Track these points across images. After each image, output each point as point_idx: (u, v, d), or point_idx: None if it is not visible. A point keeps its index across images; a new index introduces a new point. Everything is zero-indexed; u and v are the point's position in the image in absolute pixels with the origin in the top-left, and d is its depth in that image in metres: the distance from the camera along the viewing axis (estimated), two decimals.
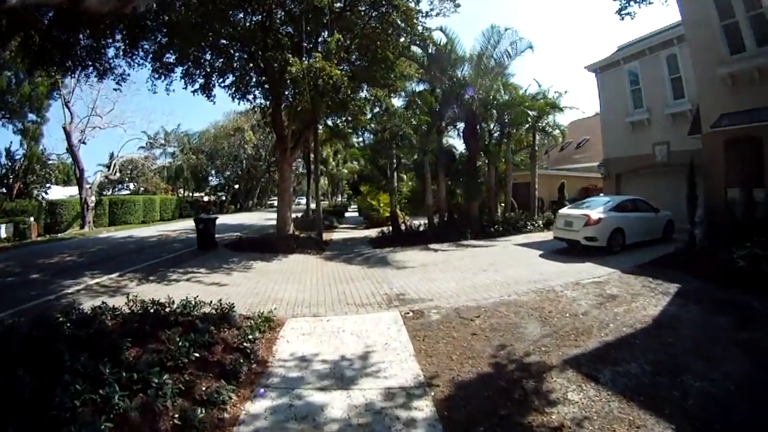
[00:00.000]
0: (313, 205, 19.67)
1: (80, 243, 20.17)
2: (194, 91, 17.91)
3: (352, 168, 34.65)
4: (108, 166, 38.89)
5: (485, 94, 19.30)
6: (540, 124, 21.30)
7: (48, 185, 33.71)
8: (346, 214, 37.33)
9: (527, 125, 21.02)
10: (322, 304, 8.41)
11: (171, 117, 71.19)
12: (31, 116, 30.18)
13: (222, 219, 35.32)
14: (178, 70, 17.59)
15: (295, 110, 15.26)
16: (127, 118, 34.50)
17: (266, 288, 9.81)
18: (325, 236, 18.95)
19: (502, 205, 20.28)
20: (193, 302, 6.78)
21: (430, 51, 18.55)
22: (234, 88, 17.87)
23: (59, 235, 25.33)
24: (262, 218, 33.38)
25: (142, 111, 60.28)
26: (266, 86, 16.49)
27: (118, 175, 34.66)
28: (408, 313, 7.67)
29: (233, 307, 6.82)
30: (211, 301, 6.88)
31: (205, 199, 50.42)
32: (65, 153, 30.99)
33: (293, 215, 28.83)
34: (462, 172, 18.99)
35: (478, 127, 19.09)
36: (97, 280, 10.91)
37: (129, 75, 18.47)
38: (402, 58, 17.26)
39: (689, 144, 16.83)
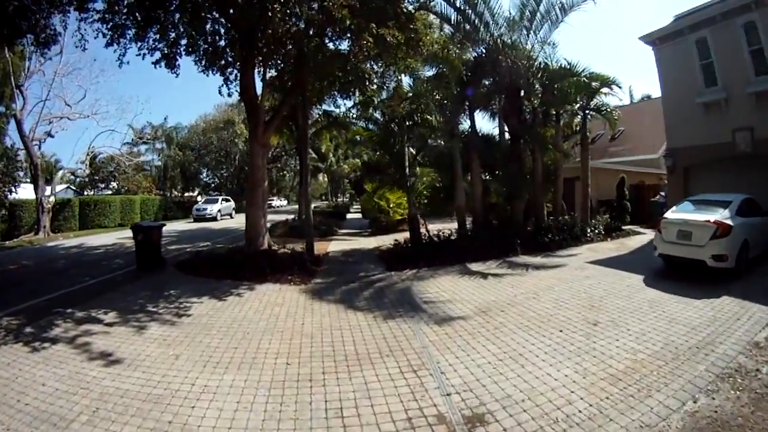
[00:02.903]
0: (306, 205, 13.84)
1: (13, 255, 15.13)
2: (155, 63, 12.69)
3: (355, 164, 29.19)
4: (90, 163, 33.60)
5: (527, 61, 13.99)
6: (593, 104, 15.88)
7: (16, 184, 28.52)
8: (348, 216, 31.86)
9: (578, 105, 15.61)
10: None
11: (147, 105, 63.96)
12: None
13: (209, 222, 30.31)
14: (130, 32, 12.38)
15: (274, 68, 9.82)
16: (101, 107, 29.03)
17: (179, 384, 4.50)
18: (320, 247, 13.54)
19: (548, 205, 14.83)
20: None
21: (458, 5, 13.21)
22: (201, 52, 12.62)
23: (7, 242, 20.16)
24: None
25: (117, 100, 53.35)
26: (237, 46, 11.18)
27: (87, 171, 29.07)
28: None
29: None
30: None
31: (198, 199, 44.96)
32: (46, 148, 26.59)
33: (286, 218, 23.62)
34: (501, 163, 13.53)
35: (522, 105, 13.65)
36: None
37: (61, 34, 13.71)
38: (422, 12, 12.01)
39: None
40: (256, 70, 11.34)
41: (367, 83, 12.74)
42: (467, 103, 13.63)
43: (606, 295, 7.55)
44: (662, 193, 18.60)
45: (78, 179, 32.61)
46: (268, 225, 20.58)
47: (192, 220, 31.38)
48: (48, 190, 22.72)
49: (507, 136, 15.78)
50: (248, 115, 10.40)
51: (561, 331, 5.82)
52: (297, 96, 10.85)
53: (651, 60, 15.43)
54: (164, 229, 23.05)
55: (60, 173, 25.91)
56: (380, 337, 5.55)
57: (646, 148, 26.01)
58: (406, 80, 15.54)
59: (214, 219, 30.71)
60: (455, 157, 12.38)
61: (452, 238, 12.23)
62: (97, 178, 34.65)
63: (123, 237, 20.07)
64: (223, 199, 34.09)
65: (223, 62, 12.85)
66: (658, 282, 8.35)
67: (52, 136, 26.29)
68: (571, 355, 5.07)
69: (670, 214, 9.78)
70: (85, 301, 7.80)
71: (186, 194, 43.49)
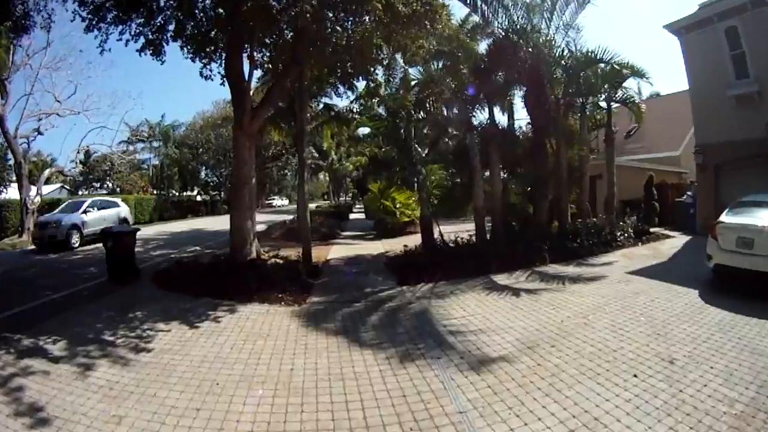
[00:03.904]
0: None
1: None
2: (140, 50, 11.16)
3: (359, 161, 27.52)
4: (83, 163, 32.03)
5: (549, 49, 12.45)
6: (617, 95, 14.32)
7: (6, 184, 26.98)
8: (351, 216, 30.19)
9: (603, 96, 14.04)
10: None
11: (139, 100, 61.90)
12: None
13: (205, 223, 28.44)
14: (111, 14, 10.85)
15: (266, 50, 8.24)
16: (92, 103, 27.44)
17: None
18: (320, 252, 11.93)
19: (571, 206, 13.21)
20: None
21: None
22: (187, 37, 11.06)
23: None
24: None
25: (110, 96, 50.92)
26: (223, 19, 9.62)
27: (78, 169, 27.48)
28: None
29: None
30: None
31: (198, 199, 43.33)
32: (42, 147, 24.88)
33: (284, 219, 21.96)
34: (522, 159, 11.92)
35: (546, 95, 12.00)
36: None
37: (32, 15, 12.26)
38: None
39: None
40: (245, 54, 9.72)
41: (372, 70, 11.23)
42: (482, 93, 12.02)
43: (668, 317, 6.06)
44: (689, 193, 16.98)
45: (70, 178, 30.91)
46: (264, 227, 19.10)
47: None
48: (33, 190, 21.10)
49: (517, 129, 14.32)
50: (234, 100, 8.74)
51: (635, 375, 4.31)
52: (292, 78, 9.21)
53: (658, 56, 13.87)
54: (154, 231, 21.80)
55: (47, 172, 24.31)
56: (398, 393, 3.93)
57: (665, 146, 24.42)
58: (413, 72, 14.08)
59: (65, 245, 14.83)
60: (473, 151, 10.75)
61: (470, 243, 10.62)
62: (91, 177, 33.11)
63: None
64: (95, 205, 17.86)
65: (211, 47, 11.35)
66: (715, 298, 6.91)
67: (42, 134, 24.75)
68: (660, 414, 3.61)
69: (726, 218, 8.22)
70: (39, 323, 6.29)
71: (185, 194, 41.90)
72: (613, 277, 8.54)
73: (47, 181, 33.35)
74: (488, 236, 11.03)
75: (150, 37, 10.89)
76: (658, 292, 7.42)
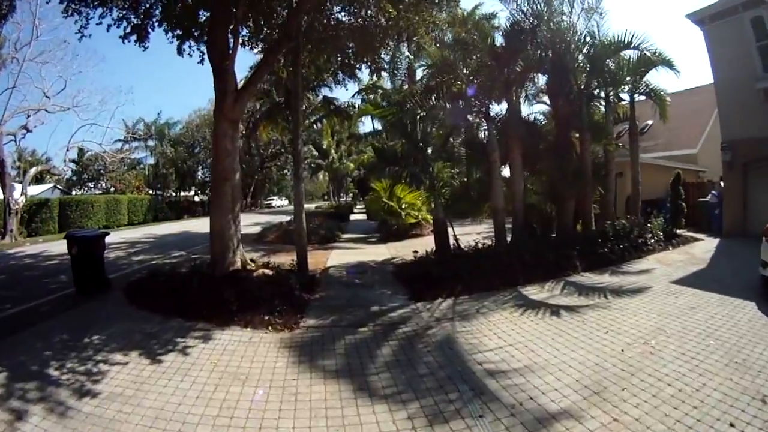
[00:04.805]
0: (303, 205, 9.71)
1: None
2: (123, 37, 9.99)
3: (360, 159, 26.16)
4: (76, 162, 30.71)
5: (571, 34, 11.17)
6: (641, 87, 13.02)
7: None
8: (351, 217, 28.72)
9: (627, 87, 12.75)
10: None
11: (130, 95, 60.19)
12: None
13: (199, 224, 26.49)
14: None
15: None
16: (83, 99, 26.07)
17: None
18: (318, 258, 10.64)
19: (594, 206, 11.89)
20: None
21: None
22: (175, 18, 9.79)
23: None
24: (246, 223, 24.41)
25: (101, 92, 48.77)
26: None
27: (68, 168, 26.15)
28: None
29: None
30: None
31: (196, 199, 41.95)
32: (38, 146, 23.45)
33: (281, 221, 20.44)
34: (544, 154, 10.60)
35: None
36: None
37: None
38: None
39: None
40: (230, 33, 8.43)
41: (377, 58, 9.95)
42: (500, 81, 10.70)
43: (737, 339, 4.91)
44: (714, 192, 15.68)
45: (62, 177, 29.57)
46: (260, 228, 17.75)
47: None
48: (18, 189, 19.78)
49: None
50: (215, 79, 7.30)
51: (732, 425, 3.21)
52: (285, 57, 7.90)
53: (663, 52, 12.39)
54: (142, 233, 20.41)
55: (32, 170, 22.96)
56: None
57: (681, 143, 23.14)
58: (421, 62, 12.81)
59: None
60: (492, 145, 9.42)
61: (490, 248, 9.27)
62: (85, 176, 31.78)
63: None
64: None
65: (198, 31, 10.07)
66: None
67: (30, 131, 23.43)
68: None
69: None
70: None
71: (182, 193, 40.48)
72: (659, 289, 7.26)
73: (39, 181, 32.09)
74: (514, 241, 9.71)
75: (134, 21, 9.75)
76: (713, 307, 6.20)
